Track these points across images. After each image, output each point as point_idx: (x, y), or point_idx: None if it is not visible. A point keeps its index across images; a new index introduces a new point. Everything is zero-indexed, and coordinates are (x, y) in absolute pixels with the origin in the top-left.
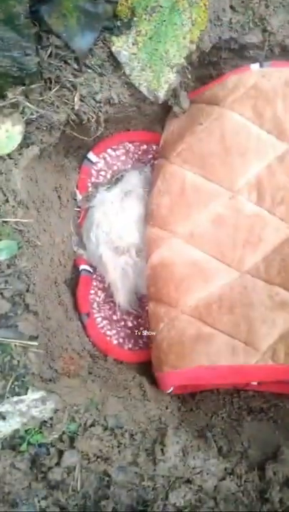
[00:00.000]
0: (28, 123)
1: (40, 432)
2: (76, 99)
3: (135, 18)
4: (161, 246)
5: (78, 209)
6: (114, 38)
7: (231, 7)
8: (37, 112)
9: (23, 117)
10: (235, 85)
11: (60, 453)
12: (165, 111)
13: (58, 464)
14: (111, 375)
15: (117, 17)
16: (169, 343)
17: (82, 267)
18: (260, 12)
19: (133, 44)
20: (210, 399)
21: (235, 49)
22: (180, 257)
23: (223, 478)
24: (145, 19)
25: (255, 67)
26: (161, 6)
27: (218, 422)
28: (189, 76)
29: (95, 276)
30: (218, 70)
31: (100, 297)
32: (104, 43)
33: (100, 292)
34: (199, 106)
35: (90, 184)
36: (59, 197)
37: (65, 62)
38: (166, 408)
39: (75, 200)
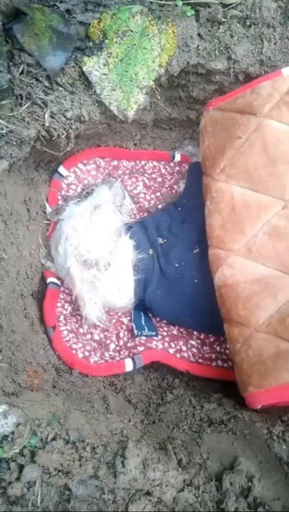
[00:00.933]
0: None
1: (1, 447)
2: (47, 115)
3: (106, 41)
4: (222, 266)
5: (47, 221)
6: (85, 59)
7: (199, 35)
8: (7, 127)
9: None
10: (270, 93)
11: (21, 467)
12: (136, 128)
13: (18, 478)
14: (75, 389)
15: (89, 38)
16: (249, 363)
17: (49, 279)
18: (225, 41)
19: (104, 65)
20: (173, 411)
21: (202, 73)
22: (242, 274)
23: (182, 490)
24: (116, 42)
25: (286, 72)
26: (131, 31)
27: (179, 434)
28: (158, 97)
29: (62, 289)
30: (186, 92)
31: (66, 310)
32: (75, 63)
33: (66, 305)
34: (232, 116)
35: (59, 197)
36: (28, 210)
37: (37, 79)
38: (129, 421)
39: (45, 213)
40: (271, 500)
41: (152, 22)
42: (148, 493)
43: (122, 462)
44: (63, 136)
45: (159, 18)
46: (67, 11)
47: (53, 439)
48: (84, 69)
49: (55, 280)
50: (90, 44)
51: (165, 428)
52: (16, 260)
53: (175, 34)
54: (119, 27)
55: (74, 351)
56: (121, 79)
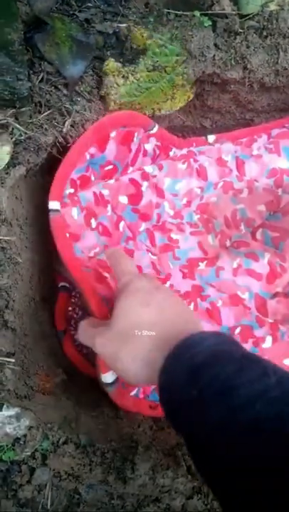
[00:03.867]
0: (16, 144)
1: (13, 449)
2: (67, 124)
3: (142, 60)
4: None
5: None
6: (111, 61)
7: (215, 45)
8: (26, 133)
9: (11, 138)
10: None
11: (32, 470)
12: None
13: (29, 481)
14: (85, 393)
15: (130, 41)
16: None
17: (61, 283)
18: (241, 51)
19: (123, 77)
20: None
21: (217, 83)
22: None
23: (191, 497)
24: (147, 68)
25: None
26: (166, 72)
27: None
28: None
29: (74, 293)
30: (201, 100)
31: (78, 314)
32: (93, 71)
33: (77, 309)
34: None
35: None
36: (42, 215)
37: (56, 87)
38: (139, 427)
39: None
40: None
41: (182, 77)
42: (157, 500)
43: (132, 468)
44: None
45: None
46: (86, 20)
47: (64, 442)
48: (103, 67)
49: (66, 284)
50: (128, 47)
51: (174, 435)
52: (29, 265)
53: (189, 98)
54: (160, 59)
55: (84, 355)
56: (128, 96)
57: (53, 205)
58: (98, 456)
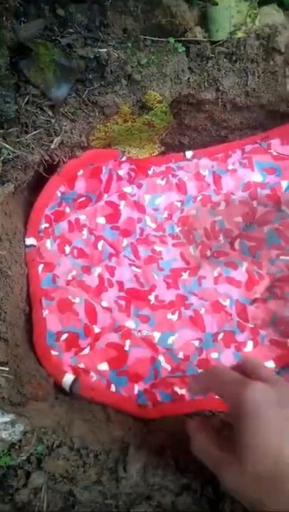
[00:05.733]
0: (4, 162)
1: (9, 454)
2: (55, 141)
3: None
4: None
5: None
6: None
7: (189, 68)
8: (14, 152)
9: (0, 157)
10: None
11: (28, 474)
12: None
13: (25, 485)
14: (77, 399)
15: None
16: None
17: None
18: (213, 74)
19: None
20: (169, 421)
21: (193, 103)
22: None
23: (180, 494)
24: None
25: None
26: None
27: (176, 442)
28: None
29: None
30: (178, 119)
31: None
32: (76, 93)
33: None
34: None
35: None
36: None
37: (41, 109)
38: (130, 429)
39: None
40: None
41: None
42: (148, 498)
43: (124, 468)
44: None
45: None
46: (68, 45)
47: (59, 446)
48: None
49: None
50: (109, 71)
51: (163, 436)
52: (19, 277)
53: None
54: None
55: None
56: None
57: (29, 241)
58: (91, 458)
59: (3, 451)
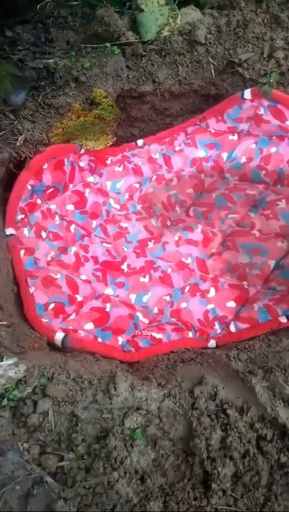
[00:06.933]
0: None
1: (17, 389)
2: (20, 139)
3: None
4: None
5: None
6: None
7: (127, 66)
8: None
9: None
10: None
11: (35, 402)
12: None
13: (34, 411)
14: (69, 353)
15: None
16: None
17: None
18: (148, 69)
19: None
20: (151, 359)
21: (135, 96)
22: None
23: (163, 400)
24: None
25: None
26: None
27: (158, 371)
28: None
29: None
30: (126, 113)
31: None
32: (33, 98)
33: None
34: None
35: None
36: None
37: (4, 114)
38: (117, 367)
39: None
40: (233, 399)
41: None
42: (138, 408)
43: (114, 387)
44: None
45: None
46: (20, 60)
47: (58, 375)
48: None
49: None
50: (58, 77)
51: (147, 369)
52: (4, 262)
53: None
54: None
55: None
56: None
57: (9, 230)
58: (86, 384)
59: (11, 387)
